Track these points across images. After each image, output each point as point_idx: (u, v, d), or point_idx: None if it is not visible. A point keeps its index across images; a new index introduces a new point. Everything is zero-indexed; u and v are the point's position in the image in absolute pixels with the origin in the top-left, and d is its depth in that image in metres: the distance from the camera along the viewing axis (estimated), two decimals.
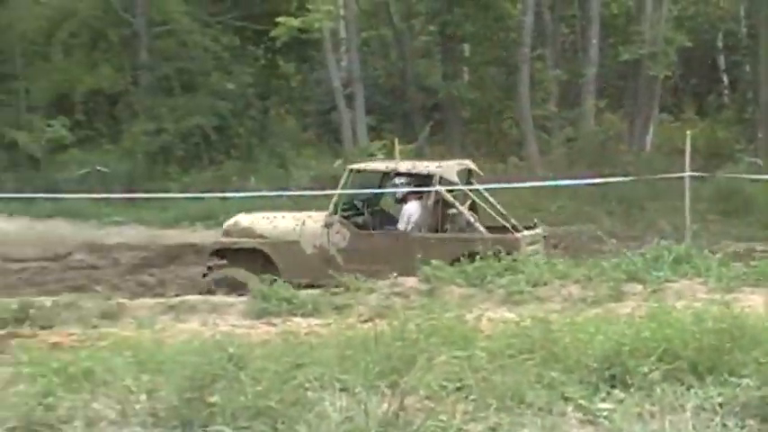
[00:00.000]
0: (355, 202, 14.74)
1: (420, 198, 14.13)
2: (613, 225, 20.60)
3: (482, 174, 15.56)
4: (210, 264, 14.51)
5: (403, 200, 14.30)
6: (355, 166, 14.86)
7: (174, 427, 5.90)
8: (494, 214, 14.33)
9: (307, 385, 6.14)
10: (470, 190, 14.48)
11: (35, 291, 14.41)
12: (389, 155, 24.06)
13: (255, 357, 6.57)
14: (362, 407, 5.80)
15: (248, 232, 14.43)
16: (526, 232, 13.94)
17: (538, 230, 14.41)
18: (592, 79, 29.56)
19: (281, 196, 20.79)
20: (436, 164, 14.74)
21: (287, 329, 8.83)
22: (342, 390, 6.14)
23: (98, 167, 26.51)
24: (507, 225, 13.93)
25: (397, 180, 14.35)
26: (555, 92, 30.68)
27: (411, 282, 12.02)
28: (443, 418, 5.88)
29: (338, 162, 26.17)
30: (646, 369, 6.53)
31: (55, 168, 27.13)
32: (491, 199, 14.73)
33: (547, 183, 20.83)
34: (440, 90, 31.23)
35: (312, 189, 21.50)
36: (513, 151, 29.70)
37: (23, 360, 7.14)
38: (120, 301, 11.72)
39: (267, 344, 7.59)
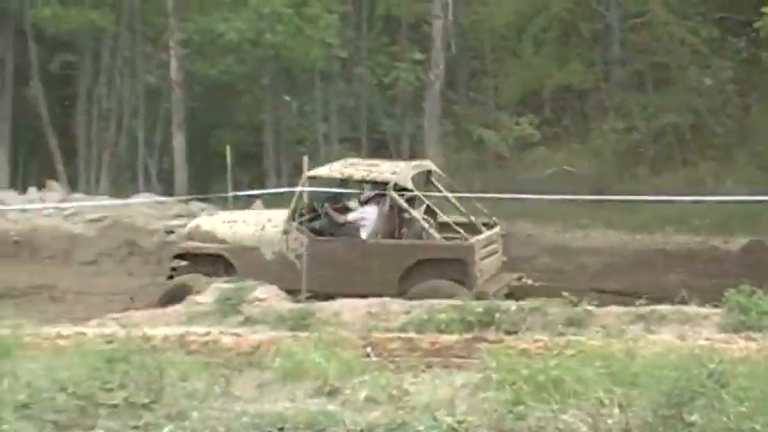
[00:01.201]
0: (315, 205, 15.21)
1: (378, 203, 14.48)
2: None
3: (443, 174, 15.88)
4: (174, 266, 15.13)
5: (366, 202, 14.71)
6: (311, 173, 15.02)
7: None
8: (464, 213, 14.92)
9: None
10: (425, 193, 15.13)
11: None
12: None
13: (737, 375, 6.41)
14: None
15: (209, 236, 14.95)
16: (483, 234, 14.34)
17: (496, 229, 14.76)
18: None
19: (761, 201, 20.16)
20: (391, 170, 14.79)
21: None
22: None
23: (565, 167, 26.90)
24: (461, 231, 14.31)
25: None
26: None
27: None
28: None
29: None
30: None
31: (521, 167, 27.79)
32: (453, 199, 15.19)
33: None
34: None
35: None
36: None
37: (492, 365, 7.37)
38: (588, 308, 11.84)
39: (748, 360, 7.38)
